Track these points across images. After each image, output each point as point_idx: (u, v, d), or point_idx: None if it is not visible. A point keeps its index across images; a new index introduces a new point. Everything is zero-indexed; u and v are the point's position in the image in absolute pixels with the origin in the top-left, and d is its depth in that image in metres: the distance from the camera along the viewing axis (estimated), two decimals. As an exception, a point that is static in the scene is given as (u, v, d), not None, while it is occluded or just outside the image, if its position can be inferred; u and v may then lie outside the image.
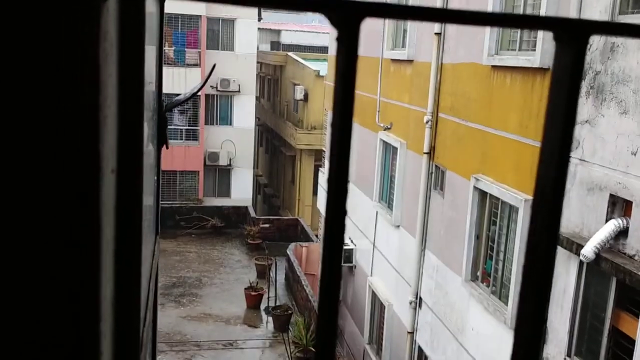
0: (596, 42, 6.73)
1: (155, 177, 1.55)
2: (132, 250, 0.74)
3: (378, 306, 13.38)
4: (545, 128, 0.35)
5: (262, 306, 17.97)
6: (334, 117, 0.36)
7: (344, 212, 0.39)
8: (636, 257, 5.97)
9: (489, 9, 8.73)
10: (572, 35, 0.34)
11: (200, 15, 25.61)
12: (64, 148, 0.47)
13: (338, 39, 0.35)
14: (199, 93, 25.39)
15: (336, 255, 0.41)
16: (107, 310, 0.64)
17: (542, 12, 7.55)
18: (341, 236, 0.40)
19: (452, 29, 10.23)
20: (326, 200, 0.38)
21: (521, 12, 8.30)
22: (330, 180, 0.36)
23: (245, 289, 18.17)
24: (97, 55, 0.45)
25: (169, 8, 25.45)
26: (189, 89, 25.14)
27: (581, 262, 6.62)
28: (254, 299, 17.92)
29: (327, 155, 18.11)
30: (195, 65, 25.53)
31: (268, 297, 17.90)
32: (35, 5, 0.43)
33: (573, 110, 0.34)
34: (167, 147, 1.70)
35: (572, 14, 7.03)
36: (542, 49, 7.55)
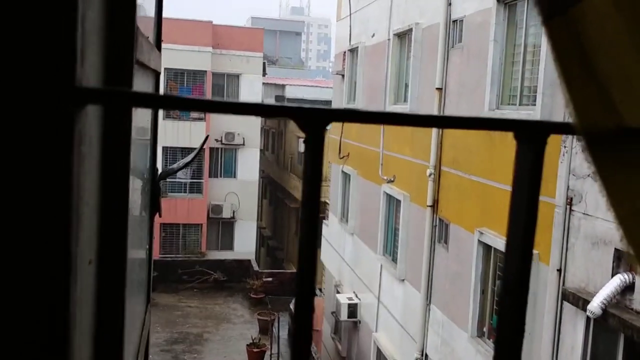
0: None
1: (148, 246, 1.55)
2: (114, 335, 0.74)
3: (383, 363, 13.09)
4: (509, 225, 0.36)
5: (265, 363, 17.63)
6: (303, 212, 0.38)
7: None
8: (644, 313, 5.87)
9: (489, 67, 8.89)
10: (531, 135, 0.35)
11: (206, 71, 26.12)
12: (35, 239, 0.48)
13: (305, 141, 0.36)
14: (204, 147, 25.63)
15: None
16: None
17: (541, 68, 7.67)
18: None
19: (453, 84, 10.38)
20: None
21: (520, 69, 8.44)
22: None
23: (247, 345, 17.84)
24: (71, 161, 0.46)
25: (175, 64, 25.78)
26: (193, 142, 25.42)
27: (588, 318, 6.51)
28: (256, 356, 17.55)
29: (330, 206, 17.93)
30: (200, 119, 25.87)
31: (271, 354, 17.55)
32: (5, 118, 0.45)
33: (534, 206, 0.35)
34: (160, 216, 1.71)
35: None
36: (542, 104, 7.63)
